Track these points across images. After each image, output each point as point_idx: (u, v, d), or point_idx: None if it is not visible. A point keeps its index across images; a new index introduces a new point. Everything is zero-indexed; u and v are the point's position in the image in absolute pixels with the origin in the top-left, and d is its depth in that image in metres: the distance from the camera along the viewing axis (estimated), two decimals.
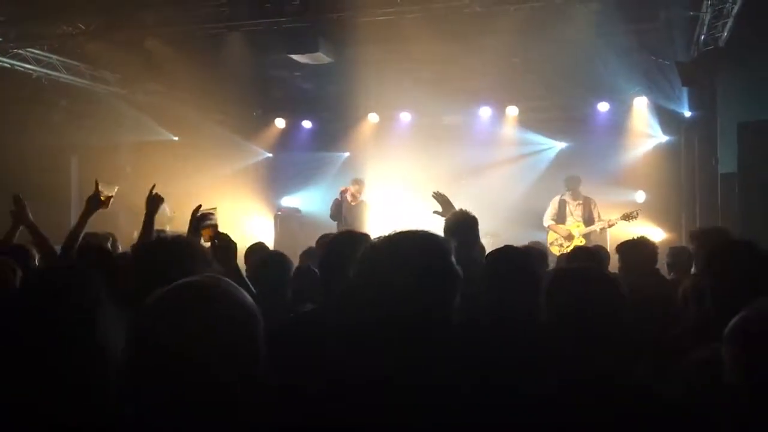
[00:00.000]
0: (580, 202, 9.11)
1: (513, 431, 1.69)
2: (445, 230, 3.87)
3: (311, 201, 12.06)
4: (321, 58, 8.18)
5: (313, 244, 5.39)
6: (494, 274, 2.90)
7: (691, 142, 9.85)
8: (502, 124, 11.15)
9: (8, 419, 1.54)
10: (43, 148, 9.44)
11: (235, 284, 1.40)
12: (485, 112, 11.17)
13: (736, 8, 6.87)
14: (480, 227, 3.85)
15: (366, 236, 2.71)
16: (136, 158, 11.69)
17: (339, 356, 1.65)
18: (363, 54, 8.29)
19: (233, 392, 1.29)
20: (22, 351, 1.64)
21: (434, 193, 4.54)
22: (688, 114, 9.78)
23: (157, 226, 3.73)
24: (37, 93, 9.62)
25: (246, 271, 3.97)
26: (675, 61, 8.53)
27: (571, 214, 9.12)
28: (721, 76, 8.55)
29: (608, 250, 5.78)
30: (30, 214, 3.84)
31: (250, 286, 2.83)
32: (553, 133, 11.10)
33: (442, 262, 1.48)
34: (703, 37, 7.81)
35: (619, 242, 4.62)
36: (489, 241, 6.45)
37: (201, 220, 3.37)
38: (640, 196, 10.32)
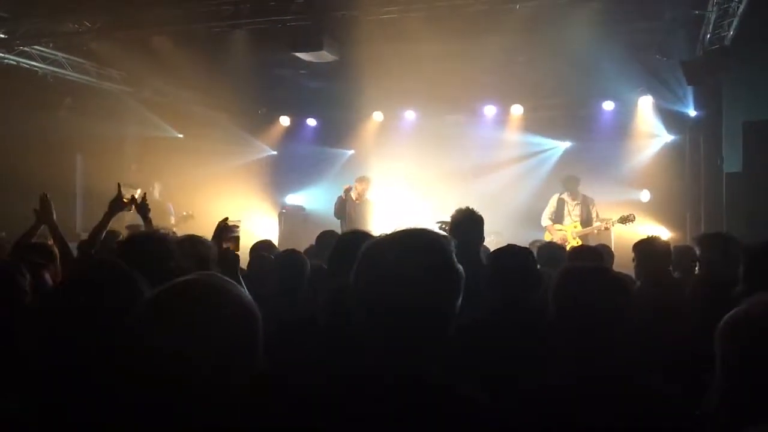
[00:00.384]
0: (579, 201, 9.11)
1: (517, 428, 1.69)
2: (451, 228, 3.88)
3: (315, 199, 12.07)
4: (325, 56, 8.18)
5: None
6: (497, 272, 2.91)
7: (696, 142, 9.82)
8: (506, 123, 11.14)
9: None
10: (49, 144, 9.48)
11: (232, 282, 1.38)
12: (490, 110, 11.16)
13: (741, 7, 6.85)
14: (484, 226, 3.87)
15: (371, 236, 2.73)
16: (141, 155, 11.72)
17: (340, 356, 1.65)
18: (368, 52, 8.28)
19: (232, 391, 1.27)
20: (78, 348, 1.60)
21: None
22: (693, 113, 9.75)
23: (161, 225, 3.77)
24: (42, 90, 9.65)
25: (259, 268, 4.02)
26: (680, 60, 8.51)
27: (569, 214, 9.12)
28: (727, 75, 8.52)
29: (612, 249, 5.78)
30: (54, 215, 3.87)
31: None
32: (557, 131, 11.07)
33: (443, 261, 1.46)
34: (708, 36, 7.78)
35: (622, 241, 4.62)
36: (492, 240, 6.49)
37: (225, 231, 3.48)
38: (645, 196, 10.29)
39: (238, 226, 3.56)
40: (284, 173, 12.45)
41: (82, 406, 1.48)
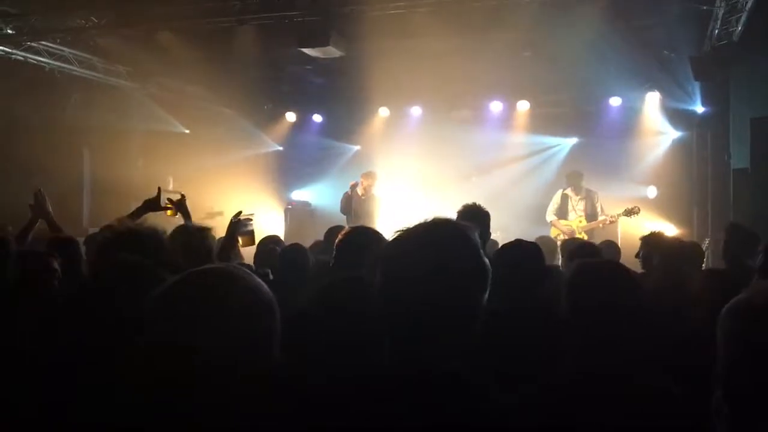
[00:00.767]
0: (582, 196, 9.10)
1: (526, 423, 1.69)
2: None
3: (321, 194, 12.09)
4: (332, 51, 8.18)
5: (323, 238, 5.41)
6: (505, 268, 2.91)
7: (703, 138, 9.79)
8: (513, 119, 11.12)
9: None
10: (56, 139, 9.50)
11: (249, 272, 1.37)
12: (496, 106, 11.14)
13: (749, 3, 6.82)
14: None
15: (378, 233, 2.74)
16: (147, 150, 11.75)
17: (362, 351, 1.63)
18: (374, 48, 8.28)
19: (251, 384, 1.26)
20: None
21: None
22: (700, 109, 9.72)
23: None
24: (49, 86, 9.68)
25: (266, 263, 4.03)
26: (688, 56, 8.48)
27: (574, 209, 9.11)
28: (734, 71, 8.49)
29: (619, 245, 5.76)
30: (50, 208, 3.89)
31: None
32: (564, 127, 11.03)
33: (471, 254, 1.42)
34: (716, 32, 7.75)
35: (628, 236, 4.61)
36: (499, 236, 6.48)
37: (238, 225, 3.49)
38: (652, 192, 10.27)
39: (251, 220, 3.57)
40: (290, 169, 12.47)
41: (94, 403, 1.49)
